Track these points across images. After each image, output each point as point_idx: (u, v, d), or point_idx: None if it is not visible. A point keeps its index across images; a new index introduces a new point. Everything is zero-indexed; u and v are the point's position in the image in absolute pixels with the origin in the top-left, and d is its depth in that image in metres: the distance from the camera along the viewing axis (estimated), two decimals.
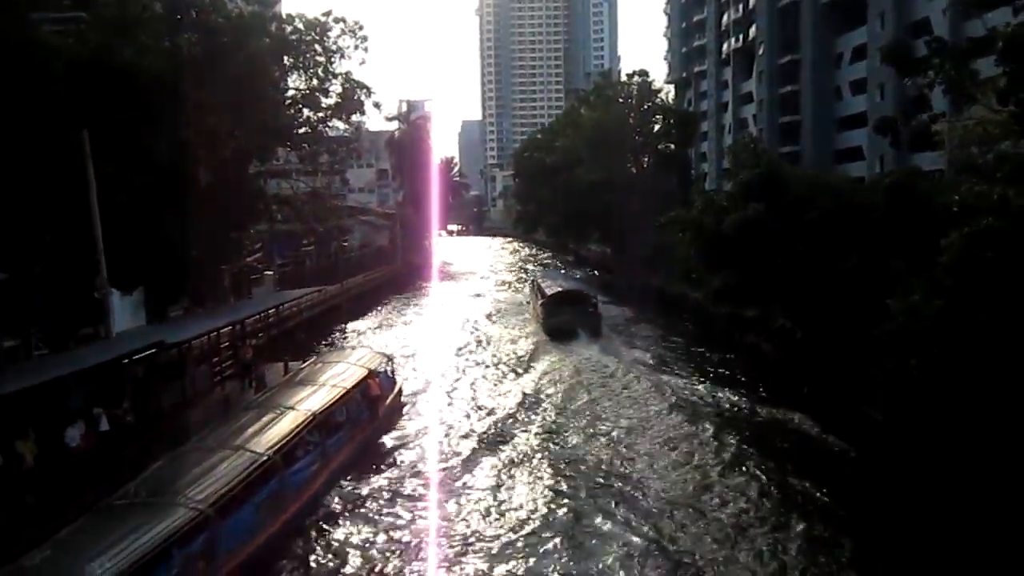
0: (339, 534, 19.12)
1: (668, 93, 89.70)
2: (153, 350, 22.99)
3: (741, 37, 79.87)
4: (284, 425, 20.33)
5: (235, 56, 32.41)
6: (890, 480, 21.31)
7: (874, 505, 19.79)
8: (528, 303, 54.22)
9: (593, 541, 18.26)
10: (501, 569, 17.19)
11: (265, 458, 18.16)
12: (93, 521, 15.11)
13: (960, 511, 18.61)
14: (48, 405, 19.65)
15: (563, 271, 73.48)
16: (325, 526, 19.46)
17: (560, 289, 47.38)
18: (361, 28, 41.38)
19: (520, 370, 36.37)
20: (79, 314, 25.40)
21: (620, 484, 21.72)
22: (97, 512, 15.50)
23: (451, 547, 18.24)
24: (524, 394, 31.62)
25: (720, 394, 30.46)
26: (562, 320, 43.80)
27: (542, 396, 31.42)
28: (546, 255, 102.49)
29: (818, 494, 20.55)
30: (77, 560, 13.33)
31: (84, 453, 19.23)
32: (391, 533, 19.13)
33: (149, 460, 18.34)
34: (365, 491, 21.75)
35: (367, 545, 18.54)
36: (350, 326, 50.88)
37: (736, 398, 29.84)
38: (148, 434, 21.65)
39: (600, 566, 17.09)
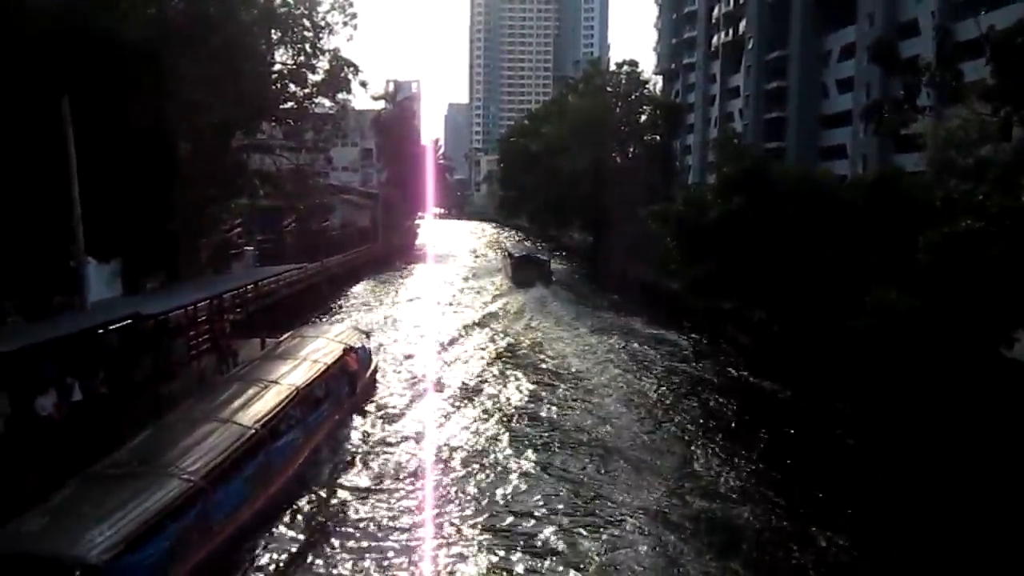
0: (323, 508, 19.20)
1: (656, 84, 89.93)
2: (128, 321, 22.76)
3: (730, 31, 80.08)
4: (269, 399, 20.34)
5: (221, 27, 31.95)
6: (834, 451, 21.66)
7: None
8: (500, 266, 71.98)
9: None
10: (483, 534, 17.75)
11: (253, 431, 18.15)
12: (87, 488, 14.89)
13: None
14: (20, 373, 19.41)
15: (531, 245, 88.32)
16: (310, 500, 19.52)
17: (523, 254, 66.84)
18: (351, 4, 40.97)
19: (492, 301, 53.01)
20: (54, 282, 25.08)
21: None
22: (88, 479, 15.29)
23: (431, 513, 18.80)
24: (492, 313, 48.15)
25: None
26: (524, 274, 60.43)
27: (503, 312, 48.93)
28: (527, 241, 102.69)
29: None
30: (74, 528, 13.20)
31: (56, 422, 19.05)
32: (374, 506, 19.28)
33: (123, 431, 18.20)
34: (346, 465, 21.95)
35: (351, 519, 18.67)
36: (329, 303, 50.90)
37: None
38: (122, 405, 21.45)
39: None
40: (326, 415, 23.52)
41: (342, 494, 20.05)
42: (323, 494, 19.95)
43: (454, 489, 20.36)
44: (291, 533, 17.81)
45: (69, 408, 19.87)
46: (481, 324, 44.62)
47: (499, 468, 21.93)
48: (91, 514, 13.61)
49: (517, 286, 58.49)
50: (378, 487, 20.50)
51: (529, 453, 23.10)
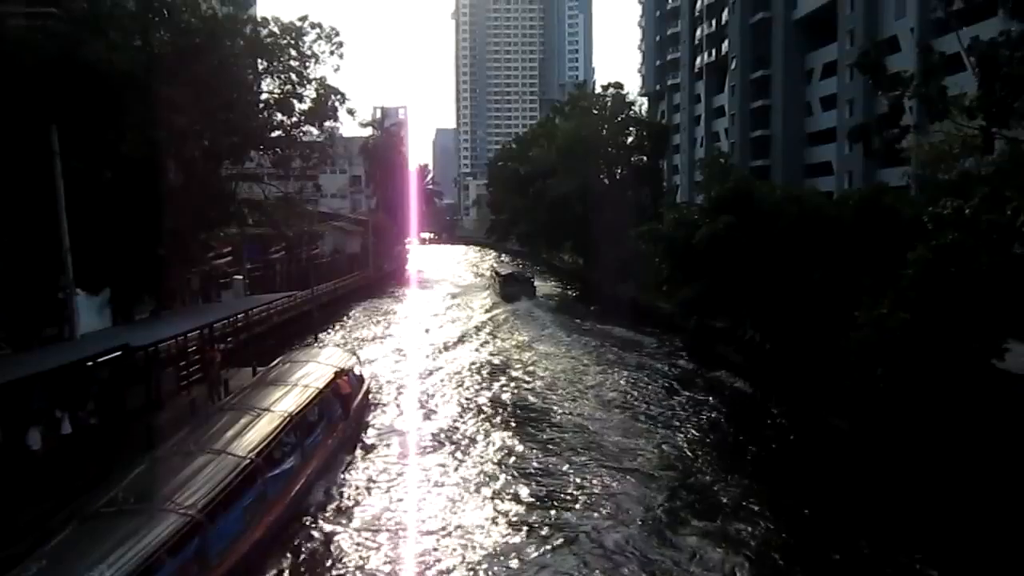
0: (322, 534, 19.11)
1: (642, 105, 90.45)
2: (118, 353, 22.62)
3: (714, 51, 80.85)
4: (263, 427, 20.17)
5: (207, 57, 32.09)
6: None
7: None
8: (489, 283, 78.91)
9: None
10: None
11: (248, 461, 17.98)
12: (83, 529, 14.73)
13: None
14: (9, 406, 19.25)
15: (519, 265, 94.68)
16: (308, 527, 19.42)
17: (510, 272, 74.53)
18: (337, 34, 41.11)
19: (483, 313, 59.38)
20: (42, 313, 24.95)
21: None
22: (85, 519, 15.09)
23: (429, 535, 18.91)
24: (482, 322, 54.12)
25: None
26: (510, 290, 66.99)
27: (492, 322, 54.21)
28: (517, 263, 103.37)
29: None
30: (74, 571, 13.02)
31: (45, 455, 18.85)
32: (372, 530, 19.27)
33: (114, 463, 18.01)
34: (343, 489, 21.89)
35: (350, 543, 18.61)
36: (320, 331, 50.65)
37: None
38: (112, 437, 21.27)
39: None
40: (320, 440, 23.33)
41: (340, 521, 19.87)
42: (321, 522, 19.77)
43: (452, 510, 20.35)
44: (290, 564, 17.64)
45: (59, 441, 19.69)
46: (478, 329, 50.86)
47: (497, 487, 21.97)
48: (89, 555, 13.45)
49: (505, 300, 65.32)
50: (377, 513, 20.34)
51: (532, 475, 23.13)
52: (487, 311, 60.33)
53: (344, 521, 19.84)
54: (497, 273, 75.22)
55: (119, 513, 15.16)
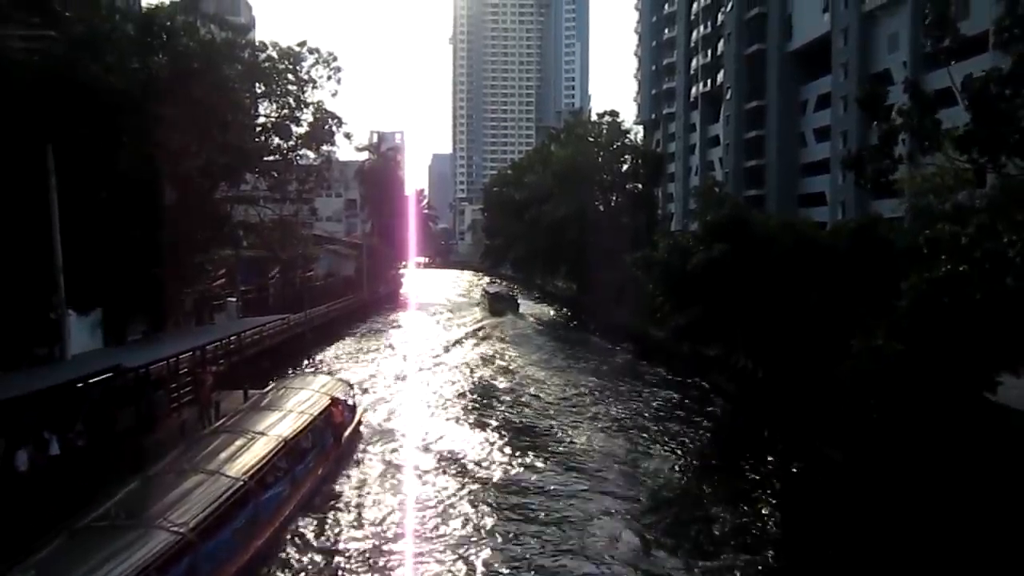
0: (310, 560, 18.97)
1: (637, 134, 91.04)
2: (109, 374, 22.49)
3: (709, 82, 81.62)
4: (256, 450, 20.15)
5: (204, 80, 32.29)
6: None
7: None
8: (480, 301, 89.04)
9: None
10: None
11: (241, 483, 17.92)
12: (73, 543, 14.59)
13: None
14: None
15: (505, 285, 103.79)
16: (297, 552, 19.29)
17: (497, 291, 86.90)
18: (335, 59, 41.54)
19: (475, 325, 67.75)
20: (34, 334, 24.82)
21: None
22: (75, 533, 14.98)
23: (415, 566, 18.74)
24: (474, 330, 63.19)
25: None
26: (498, 306, 77.48)
27: (482, 331, 62.80)
28: (511, 288, 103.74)
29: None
30: None
31: (32, 477, 18.66)
32: (358, 559, 19.07)
33: (102, 485, 17.86)
34: (331, 516, 21.71)
35: (338, 571, 18.46)
36: (314, 354, 50.59)
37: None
38: (101, 459, 21.06)
39: None
40: (312, 466, 23.33)
41: (329, 546, 19.72)
42: (311, 546, 19.62)
43: (440, 536, 20.27)
44: None
45: (47, 462, 19.50)
46: (470, 336, 59.53)
47: (484, 515, 21.81)
48: (78, 568, 13.31)
49: (493, 315, 75.10)
50: (362, 542, 20.14)
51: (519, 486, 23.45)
52: (477, 322, 71.04)
53: (333, 548, 19.65)
54: (486, 292, 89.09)
55: (110, 528, 15.07)
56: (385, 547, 19.73)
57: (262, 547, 18.19)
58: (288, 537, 19.85)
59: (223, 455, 19.61)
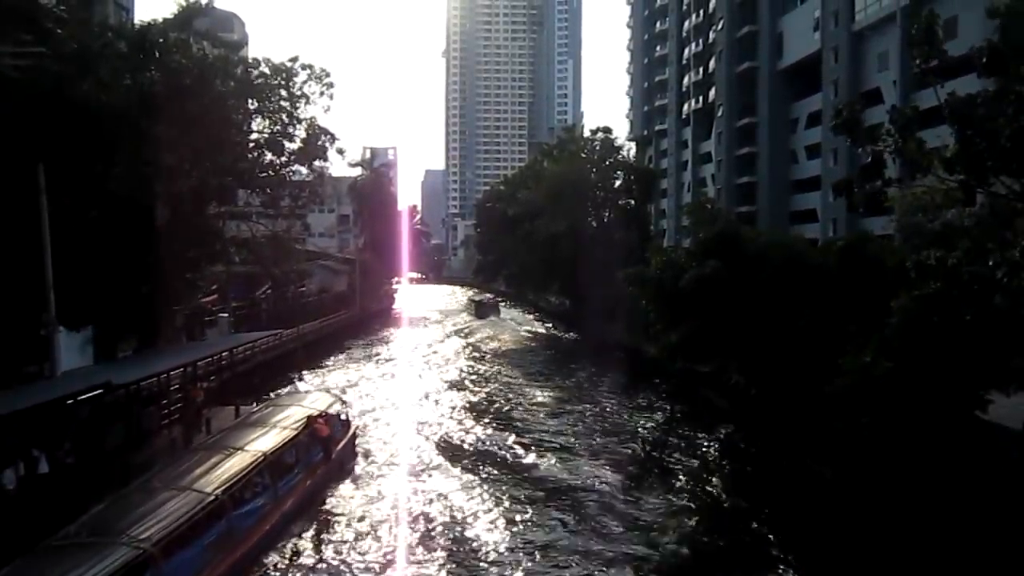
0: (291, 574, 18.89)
1: (630, 150, 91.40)
2: (99, 391, 22.38)
3: (701, 99, 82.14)
4: (233, 465, 20.07)
5: (197, 96, 32.33)
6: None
7: None
8: (467, 308, 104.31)
9: None
10: None
11: (212, 498, 17.83)
12: (31, 562, 14.53)
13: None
14: None
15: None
16: (277, 567, 19.16)
17: (482, 299, 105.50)
18: (328, 75, 41.69)
19: (463, 324, 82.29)
20: (24, 351, 24.70)
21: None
22: (36, 553, 14.89)
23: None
24: (461, 328, 76.84)
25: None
26: (482, 311, 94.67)
27: (468, 329, 75.33)
28: (502, 303, 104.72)
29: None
30: None
31: (20, 495, 18.53)
32: (346, 572, 19.04)
33: (90, 503, 17.75)
34: (319, 530, 21.60)
35: None
36: (305, 370, 50.40)
37: None
38: (90, 476, 20.94)
39: None
40: (297, 481, 23.07)
41: (312, 562, 19.62)
42: (293, 561, 19.53)
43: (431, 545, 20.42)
44: None
45: (35, 480, 19.37)
46: (457, 334, 70.86)
47: (471, 530, 21.70)
48: None
49: (478, 318, 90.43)
50: (351, 552, 20.11)
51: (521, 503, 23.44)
52: (466, 322, 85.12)
53: (313, 563, 19.56)
54: (472, 299, 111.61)
55: (71, 546, 15.01)
56: (371, 563, 19.57)
57: (239, 560, 18.08)
58: (269, 552, 19.69)
59: (198, 471, 19.60)
